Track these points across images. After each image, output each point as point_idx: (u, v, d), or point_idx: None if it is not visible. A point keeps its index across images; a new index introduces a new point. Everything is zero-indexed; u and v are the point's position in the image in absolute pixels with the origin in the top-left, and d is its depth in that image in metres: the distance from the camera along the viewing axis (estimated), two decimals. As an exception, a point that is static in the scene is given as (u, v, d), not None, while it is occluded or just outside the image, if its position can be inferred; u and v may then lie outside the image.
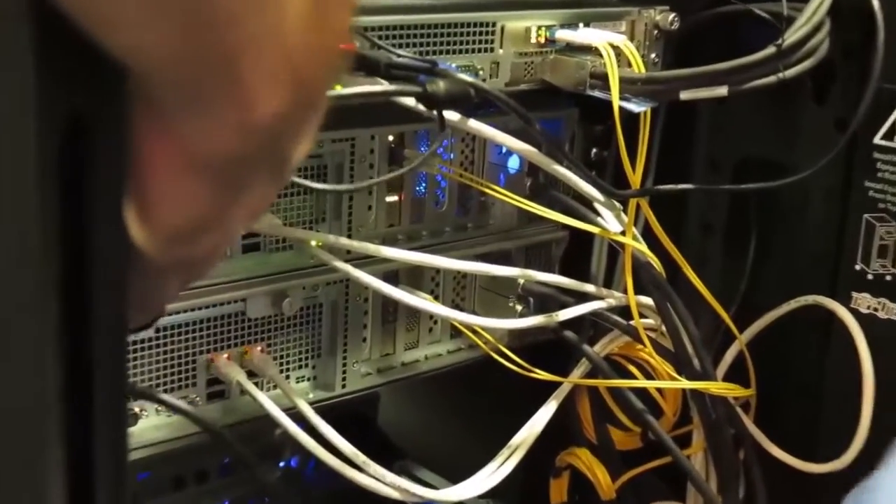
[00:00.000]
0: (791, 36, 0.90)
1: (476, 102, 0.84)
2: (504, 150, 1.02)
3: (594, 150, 1.08)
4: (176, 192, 0.37)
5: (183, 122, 0.36)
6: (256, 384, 0.90)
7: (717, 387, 0.99)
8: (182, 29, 0.33)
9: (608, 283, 1.10)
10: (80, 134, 0.36)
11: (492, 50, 0.92)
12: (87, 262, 0.37)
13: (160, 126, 0.36)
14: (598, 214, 0.98)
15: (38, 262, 0.34)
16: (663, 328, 1.00)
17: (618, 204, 0.97)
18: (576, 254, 1.11)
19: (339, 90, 0.76)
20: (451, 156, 1.00)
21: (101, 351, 0.38)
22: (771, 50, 0.90)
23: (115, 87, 0.36)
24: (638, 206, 0.97)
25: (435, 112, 0.82)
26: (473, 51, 0.91)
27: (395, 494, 0.91)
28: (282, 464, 1.07)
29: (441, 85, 0.79)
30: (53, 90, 0.34)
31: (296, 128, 0.39)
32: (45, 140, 0.34)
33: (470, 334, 1.01)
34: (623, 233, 0.96)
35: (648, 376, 1.04)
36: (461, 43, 0.90)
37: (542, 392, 1.03)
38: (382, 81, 0.81)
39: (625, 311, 1.01)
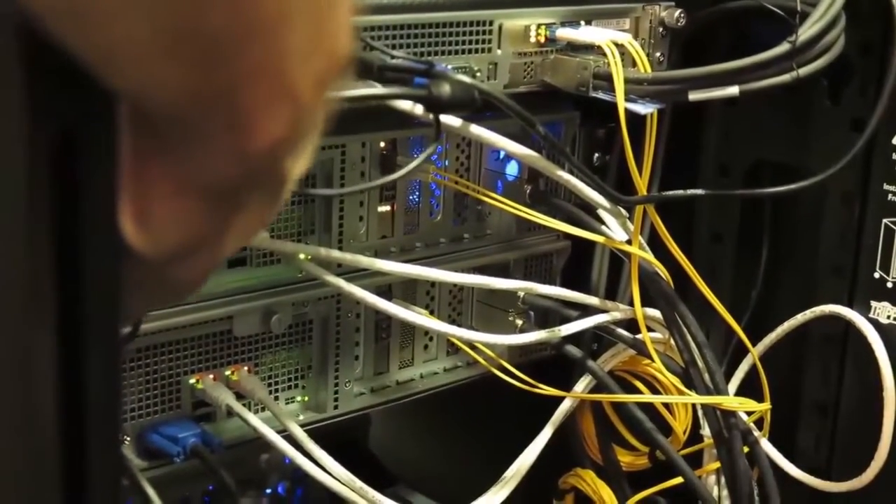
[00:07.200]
0: (805, 32, 0.90)
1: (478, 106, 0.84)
2: (502, 155, 1.02)
3: (596, 155, 1.08)
4: (173, 212, 0.39)
5: (183, 150, 0.37)
6: (244, 406, 0.90)
7: (729, 402, 0.99)
8: (191, 66, 0.34)
9: (612, 295, 1.10)
10: (71, 151, 0.37)
11: (489, 50, 0.91)
12: (81, 273, 0.38)
13: (159, 152, 0.38)
14: (603, 222, 0.98)
15: (29, 275, 0.35)
16: (672, 342, 1.00)
17: (624, 211, 0.97)
18: (578, 264, 1.10)
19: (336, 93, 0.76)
20: (446, 162, 0.99)
21: (93, 363, 0.39)
22: (784, 47, 0.90)
23: (105, 106, 0.37)
24: (645, 214, 0.97)
25: (432, 116, 0.81)
26: (470, 51, 0.91)
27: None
28: (268, 490, 1.07)
29: (446, 87, 0.78)
30: (43, 109, 0.35)
31: (295, 149, 0.40)
32: (34, 158, 0.35)
33: (468, 350, 1.01)
34: (629, 241, 0.96)
35: (656, 392, 1.04)
36: (457, 43, 0.90)
37: (543, 411, 1.02)
38: (375, 84, 0.80)
39: (630, 324, 1.01)
